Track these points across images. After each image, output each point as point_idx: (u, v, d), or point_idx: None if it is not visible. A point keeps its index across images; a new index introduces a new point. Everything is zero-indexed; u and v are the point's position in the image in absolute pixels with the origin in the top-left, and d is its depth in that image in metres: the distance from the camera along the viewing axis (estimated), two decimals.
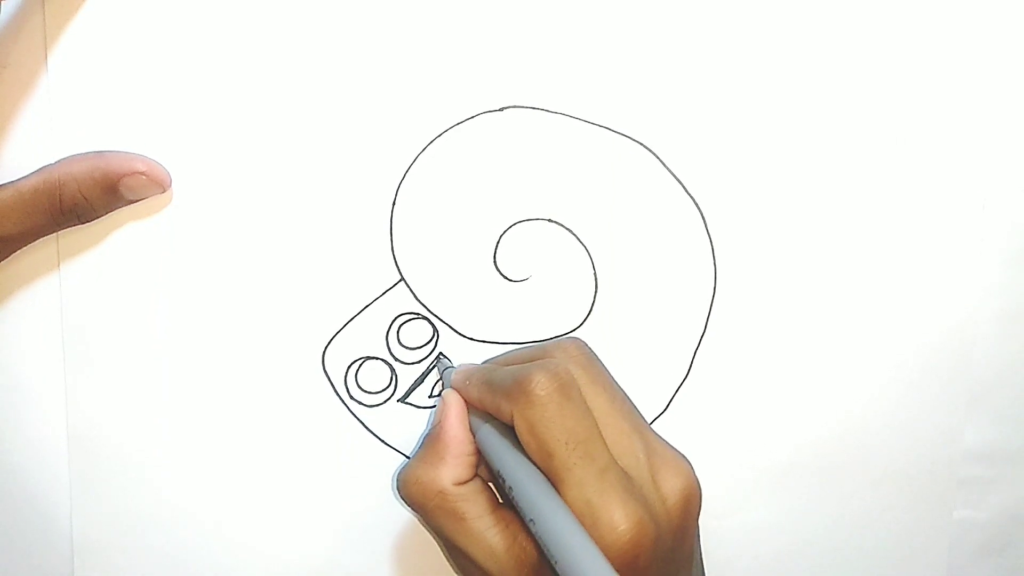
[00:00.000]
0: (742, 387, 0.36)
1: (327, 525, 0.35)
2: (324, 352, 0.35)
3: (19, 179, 0.32)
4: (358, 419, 0.35)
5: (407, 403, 0.35)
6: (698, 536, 0.33)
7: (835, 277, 0.36)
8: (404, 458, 0.35)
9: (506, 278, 0.35)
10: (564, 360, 0.31)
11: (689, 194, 0.35)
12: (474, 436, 0.32)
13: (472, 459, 0.32)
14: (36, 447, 0.34)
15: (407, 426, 0.35)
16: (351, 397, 0.35)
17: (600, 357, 0.33)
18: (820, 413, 0.36)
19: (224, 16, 0.33)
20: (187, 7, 0.32)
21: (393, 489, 0.35)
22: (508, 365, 0.32)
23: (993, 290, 0.36)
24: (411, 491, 0.31)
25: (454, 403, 0.32)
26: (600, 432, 0.29)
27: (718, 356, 0.36)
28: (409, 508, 0.32)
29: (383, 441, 0.35)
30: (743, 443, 0.36)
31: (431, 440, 0.32)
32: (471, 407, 0.32)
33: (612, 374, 0.32)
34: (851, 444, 0.37)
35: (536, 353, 0.32)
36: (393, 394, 0.35)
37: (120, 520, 0.35)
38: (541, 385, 0.29)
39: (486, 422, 0.31)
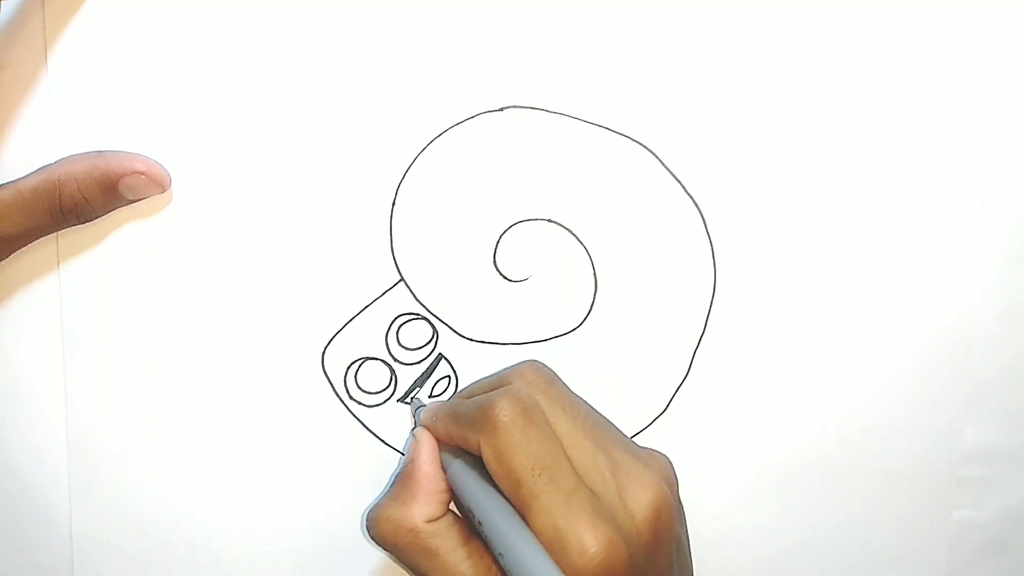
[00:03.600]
0: (742, 387, 0.36)
1: (327, 525, 0.35)
2: (324, 352, 0.35)
3: (19, 179, 0.32)
4: (358, 419, 0.35)
5: (407, 403, 0.35)
6: (685, 542, 0.33)
7: (835, 277, 0.36)
8: (404, 458, 0.35)
9: (506, 278, 0.35)
10: (524, 386, 0.31)
11: (689, 194, 0.35)
12: (446, 473, 0.32)
13: (444, 496, 0.32)
14: (36, 447, 0.34)
15: (407, 426, 0.35)
16: (351, 397, 0.35)
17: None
18: (820, 413, 0.36)
19: (224, 16, 0.33)
20: (187, 7, 0.32)
21: (362, 528, 0.35)
22: (471, 397, 0.32)
23: (993, 290, 0.36)
24: (382, 530, 0.31)
25: (425, 441, 0.32)
26: (565, 454, 0.30)
27: (718, 356, 0.36)
28: (380, 547, 0.31)
29: (383, 441, 0.35)
30: (743, 443, 0.36)
31: (403, 478, 0.32)
32: (442, 444, 0.32)
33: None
34: (851, 444, 0.37)
35: (495, 382, 0.33)
36: (393, 394, 0.35)
37: (120, 520, 0.35)
38: (504, 412, 0.29)
39: (456, 458, 0.31)
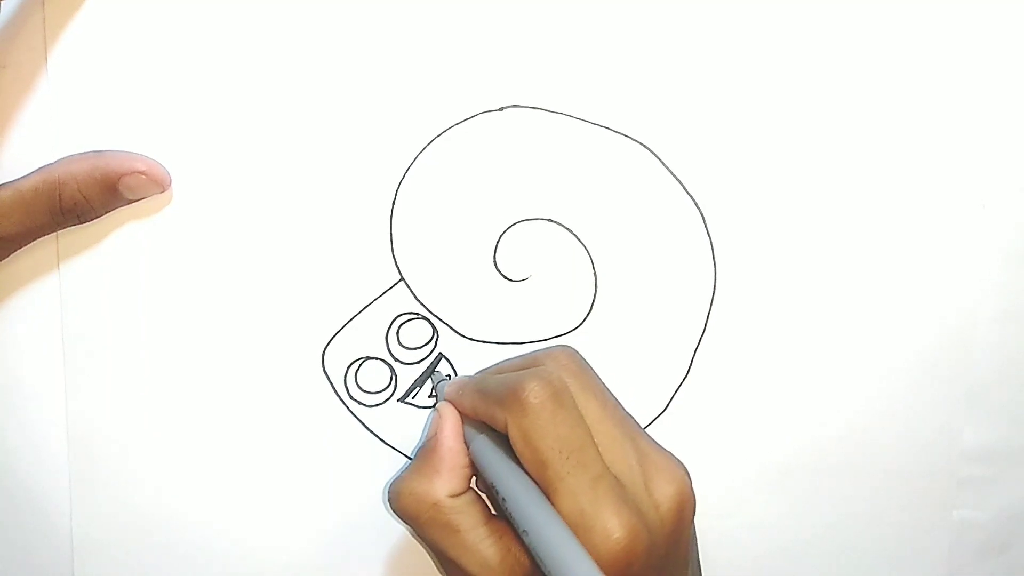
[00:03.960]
0: (742, 387, 0.36)
1: (327, 525, 0.35)
2: (324, 352, 0.35)
3: (19, 179, 0.32)
4: (358, 419, 0.35)
5: (407, 403, 0.35)
6: (695, 538, 0.33)
7: (835, 277, 0.36)
8: (405, 458, 0.35)
9: (506, 278, 0.35)
10: (556, 368, 0.31)
11: (689, 194, 0.35)
12: (468, 448, 0.32)
13: (467, 471, 0.31)
14: (36, 447, 0.34)
15: (407, 426, 0.35)
16: (351, 397, 0.35)
17: (600, 357, 0.33)
18: (820, 413, 0.36)
19: (224, 16, 0.33)
20: (187, 7, 0.32)
21: (384, 501, 0.35)
22: (500, 374, 0.32)
23: (993, 290, 0.36)
24: (404, 503, 0.31)
25: (449, 415, 0.32)
26: (593, 440, 0.29)
27: (718, 356, 0.36)
28: (401, 520, 0.31)
29: (383, 441, 0.35)
30: (743, 443, 0.36)
31: (426, 452, 0.32)
32: (465, 419, 0.32)
33: (606, 378, 0.32)
34: (851, 444, 0.37)
35: (527, 362, 0.32)
36: (393, 394, 0.35)
37: (120, 520, 0.35)
38: (535, 393, 0.29)
39: (480, 433, 0.31)
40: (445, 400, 0.33)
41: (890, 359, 0.36)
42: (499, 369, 0.34)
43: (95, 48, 0.32)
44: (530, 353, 0.33)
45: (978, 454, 0.37)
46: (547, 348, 0.33)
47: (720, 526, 0.37)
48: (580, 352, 0.33)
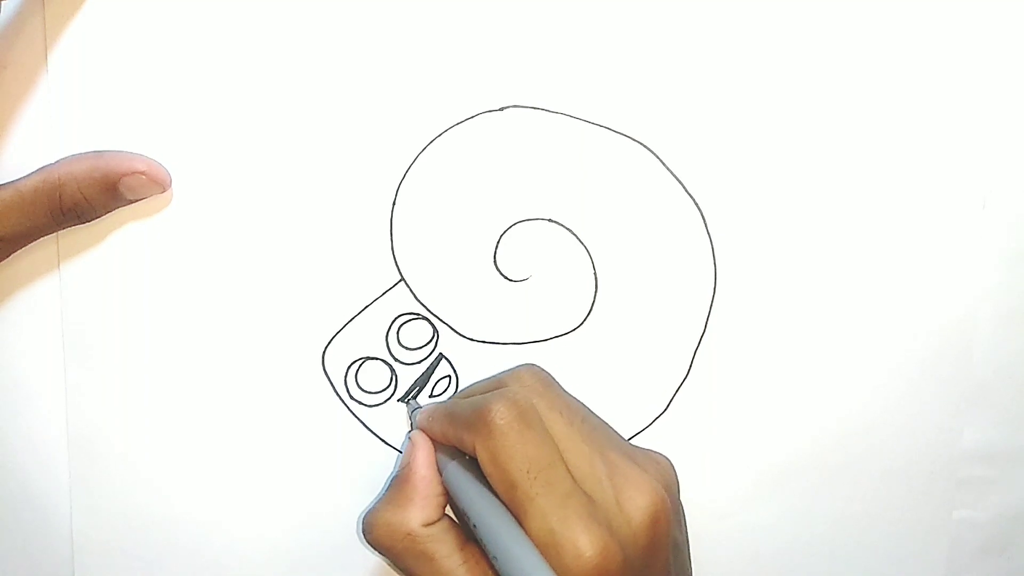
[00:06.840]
0: (742, 387, 0.36)
1: (327, 525, 0.35)
2: (324, 352, 0.35)
3: (19, 179, 0.32)
4: (358, 419, 0.35)
5: (407, 403, 0.35)
6: (686, 544, 0.33)
7: (835, 277, 0.36)
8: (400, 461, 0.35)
9: (506, 278, 0.35)
10: (521, 389, 0.31)
11: (689, 194, 0.35)
12: (441, 475, 0.32)
13: (441, 499, 0.31)
14: (36, 447, 0.34)
15: (407, 426, 0.35)
16: (351, 397, 0.35)
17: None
18: (820, 413, 0.36)
19: (224, 16, 0.33)
20: (187, 7, 0.32)
21: (358, 532, 0.35)
22: (468, 398, 0.32)
23: (993, 290, 0.36)
24: (379, 534, 0.31)
25: (421, 444, 0.32)
26: (561, 458, 0.29)
27: (718, 356, 0.36)
28: (376, 551, 0.31)
29: (384, 441, 0.35)
30: (743, 443, 0.36)
31: (399, 482, 0.32)
32: (438, 446, 0.32)
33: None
34: (851, 444, 0.37)
35: (493, 384, 0.33)
36: (393, 394, 0.35)
37: (120, 520, 0.35)
38: (500, 414, 0.29)
39: (452, 459, 0.31)
40: (417, 428, 0.33)
41: (890, 359, 0.36)
42: (467, 393, 0.34)
43: (95, 48, 0.32)
44: (496, 375, 0.34)
45: (978, 454, 0.37)
46: (512, 368, 0.33)
47: (720, 526, 0.37)
48: (546, 369, 0.33)
